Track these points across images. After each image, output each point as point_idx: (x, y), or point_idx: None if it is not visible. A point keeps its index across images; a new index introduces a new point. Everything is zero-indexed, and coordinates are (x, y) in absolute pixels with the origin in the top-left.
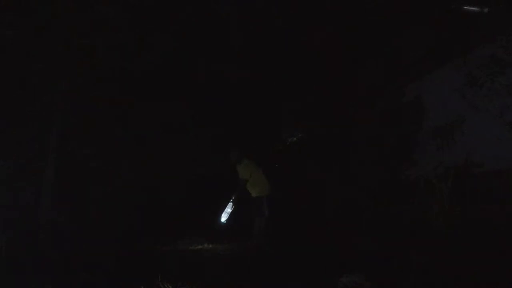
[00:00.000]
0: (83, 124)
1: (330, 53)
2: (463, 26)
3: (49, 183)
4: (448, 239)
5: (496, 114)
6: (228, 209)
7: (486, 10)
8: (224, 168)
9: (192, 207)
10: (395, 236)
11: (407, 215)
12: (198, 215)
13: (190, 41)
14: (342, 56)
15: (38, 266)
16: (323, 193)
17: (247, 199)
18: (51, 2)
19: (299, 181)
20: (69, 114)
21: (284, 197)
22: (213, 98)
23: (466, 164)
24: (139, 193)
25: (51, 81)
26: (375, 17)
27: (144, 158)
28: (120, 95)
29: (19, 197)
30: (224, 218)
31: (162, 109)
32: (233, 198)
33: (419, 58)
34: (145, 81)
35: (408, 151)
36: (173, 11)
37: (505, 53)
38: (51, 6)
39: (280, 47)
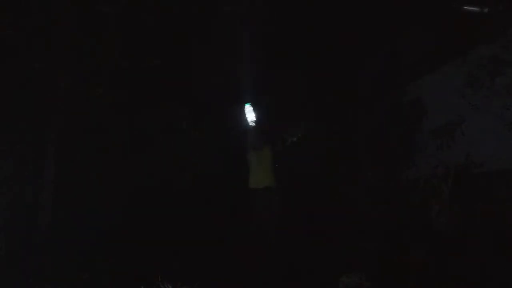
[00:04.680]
0: (83, 124)
1: (329, 53)
2: (463, 26)
3: (49, 183)
4: (448, 239)
5: (496, 114)
6: None
7: (486, 10)
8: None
9: (193, 207)
10: (395, 236)
11: (407, 215)
12: (198, 215)
13: (190, 41)
14: (342, 56)
15: (38, 266)
16: (322, 193)
17: None
18: (51, 2)
19: (299, 181)
20: (69, 114)
21: (283, 197)
22: (212, 98)
23: (466, 164)
24: (139, 193)
25: (51, 81)
26: (375, 17)
27: (145, 158)
28: (120, 95)
29: (19, 197)
30: None
31: (162, 109)
32: None
33: (419, 58)
34: (145, 81)
35: (408, 151)
36: (174, 11)
37: (505, 53)
38: (51, 6)
39: (280, 47)
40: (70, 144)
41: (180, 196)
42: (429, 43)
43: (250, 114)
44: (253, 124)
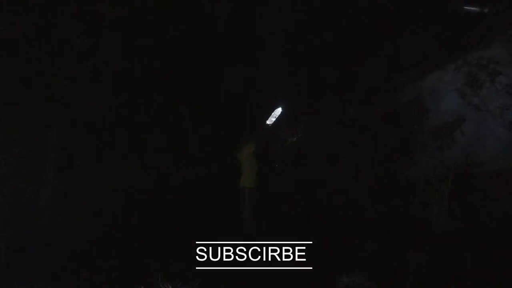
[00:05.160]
0: (83, 123)
1: (330, 53)
2: (463, 26)
3: (49, 183)
4: (448, 239)
5: (496, 114)
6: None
7: (486, 10)
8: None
9: (192, 205)
10: (395, 236)
11: (407, 215)
12: (198, 213)
13: (190, 42)
14: (342, 56)
15: (38, 266)
16: (323, 193)
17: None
18: (51, 2)
19: (299, 181)
20: (69, 114)
21: (283, 197)
22: (212, 98)
23: (466, 164)
24: (139, 192)
25: (51, 81)
26: (376, 17)
27: (144, 158)
28: (119, 95)
29: (19, 197)
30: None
31: (161, 109)
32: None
33: (419, 58)
34: (145, 81)
35: (408, 151)
36: (173, 11)
37: (505, 53)
38: (51, 6)
39: (281, 47)
40: (70, 144)
41: (179, 195)
42: (429, 43)
43: (272, 117)
44: (266, 127)
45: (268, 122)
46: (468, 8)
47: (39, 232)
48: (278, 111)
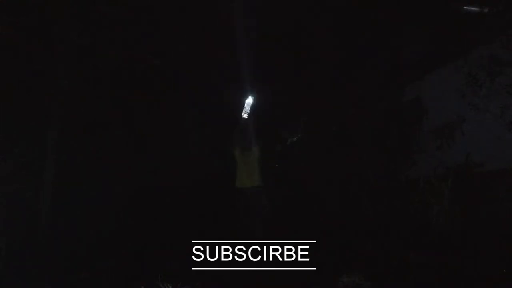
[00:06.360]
0: (83, 123)
1: (330, 53)
2: (463, 26)
3: (49, 183)
4: (448, 239)
5: (496, 114)
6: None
7: (486, 10)
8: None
9: (192, 205)
10: (395, 236)
11: (407, 215)
12: (198, 214)
13: (190, 42)
14: (343, 56)
15: (38, 266)
16: (323, 193)
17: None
18: (51, 2)
19: (299, 181)
20: (69, 113)
21: (283, 196)
22: (212, 98)
23: (466, 164)
24: (139, 193)
25: (51, 81)
26: (376, 17)
27: (144, 158)
28: (120, 95)
29: (19, 197)
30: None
31: (162, 109)
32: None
33: (419, 58)
34: (145, 81)
35: (408, 151)
36: (174, 11)
37: (505, 53)
38: (51, 6)
39: (281, 47)
40: (70, 144)
41: (180, 195)
42: (429, 43)
43: (246, 109)
44: (244, 122)
45: (244, 115)
46: (468, 8)
47: (39, 232)
48: (249, 101)
